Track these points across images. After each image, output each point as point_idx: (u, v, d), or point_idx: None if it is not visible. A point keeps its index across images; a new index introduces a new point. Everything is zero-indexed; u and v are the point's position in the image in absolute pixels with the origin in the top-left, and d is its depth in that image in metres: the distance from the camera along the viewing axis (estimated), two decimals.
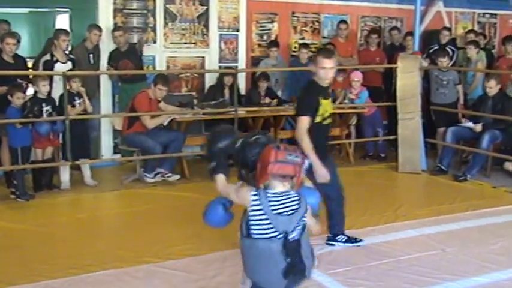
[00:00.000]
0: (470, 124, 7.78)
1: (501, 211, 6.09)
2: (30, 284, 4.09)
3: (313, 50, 9.09)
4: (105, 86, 7.99)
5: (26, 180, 6.41)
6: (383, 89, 9.23)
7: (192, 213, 5.89)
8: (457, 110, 8.34)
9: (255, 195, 2.74)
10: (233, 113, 7.50)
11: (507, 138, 7.63)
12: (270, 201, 2.71)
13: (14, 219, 5.65)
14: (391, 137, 8.39)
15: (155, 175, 7.10)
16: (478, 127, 7.64)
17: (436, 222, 5.59)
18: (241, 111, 7.71)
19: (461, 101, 8.49)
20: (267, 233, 2.70)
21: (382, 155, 8.61)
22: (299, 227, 2.74)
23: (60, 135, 6.70)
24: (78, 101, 6.74)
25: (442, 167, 7.77)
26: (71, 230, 5.41)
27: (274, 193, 2.74)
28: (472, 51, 8.66)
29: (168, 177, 7.11)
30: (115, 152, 8.05)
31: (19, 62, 6.85)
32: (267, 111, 8.04)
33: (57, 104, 6.62)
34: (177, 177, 7.18)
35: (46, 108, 6.43)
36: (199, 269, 4.40)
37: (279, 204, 2.72)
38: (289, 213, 2.70)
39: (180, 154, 7.36)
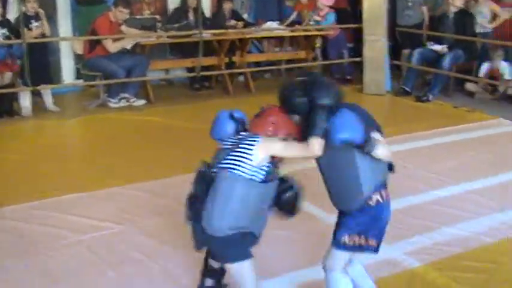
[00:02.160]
0: (436, 46, 7.81)
1: (461, 129, 6.23)
2: None
3: None
4: (63, 8, 7.73)
5: None
6: (349, 10, 9.15)
7: (157, 137, 5.94)
8: (421, 31, 8.35)
9: None
10: (198, 36, 7.39)
11: (468, 56, 7.72)
12: None
13: None
14: (357, 59, 8.40)
15: (119, 100, 7.03)
16: (444, 49, 7.69)
17: (399, 141, 5.68)
18: (207, 34, 7.59)
19: (426, 22, 8.49)
20: None
21: (348, 77, 8.63)
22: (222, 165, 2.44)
23: (19, 61, 6.53)
24: (35, 24, 6.54)
25: (406, 88, 7.86)
26: (34, 156, 5.35)
27: None
28: None
29: (132, 102, 7.05)
30: (77, 78, 7.90)
31: None
32: (232, 34, 7.94)
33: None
34: (142, 102, 7.13)
35: (2, 31, 6.23)
36: (163, 190, 4.43)
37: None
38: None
39: (144, 78, 7.27)
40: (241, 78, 8.42)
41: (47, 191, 4.39)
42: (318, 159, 2.52)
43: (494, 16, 8.09)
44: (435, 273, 3.26)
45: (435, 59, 7.76)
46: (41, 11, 6.57)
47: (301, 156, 2.47)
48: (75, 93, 7.71)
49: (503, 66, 7.50)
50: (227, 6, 8.17)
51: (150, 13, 8.32)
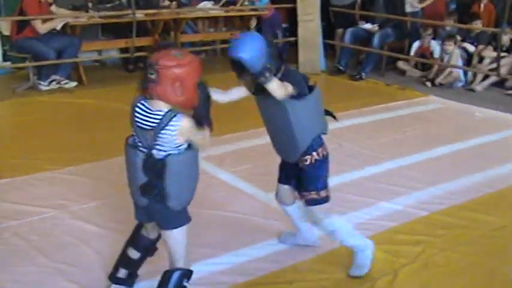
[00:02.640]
0: (368, 25, 7.97)
1: (393, 106, 6.40)
2: None
3: None
4: None
5: None
6: None
7: (90, 119, 5.80)
8: (354, 11, 8.47)
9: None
10: (131, 16, 7.23)
11: (398, 35, 7.91)
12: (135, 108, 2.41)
13: None
14: (291, 39, 8.45)
15: (50, 82, 6.81)
16: (375, 28, 7.85)
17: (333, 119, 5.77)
18: (140, 15, 7.43)
19: (359, 2, 8.62)
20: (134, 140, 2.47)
21: (283, 57, 8.64)
22: (160, 147, 2.37)
23: None
24: None
25: (340, 67, 7.98)
26: None
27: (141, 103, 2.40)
28: None
29: (64, 84, 6.85)
30: (4, 60, 7.59)
31: None
32: (166, 14, 7.81)
33: None
34: (74, 84, 6.93)
35: None
36: (96, 174, 4.34)
37: (139, 114, 2.39)
38: (142, 126, 2.38)
39: (76, 60, 7.07)
40: (203, 55, 8.30)
41: None
42: (261, 111, 2.80)
43: None
44: None
45: (367, 38, 7.91)
46: None
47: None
48: (2, 76, 7.41)
49: (433, 44, 7.72)
50: None
51: None
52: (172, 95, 2.32)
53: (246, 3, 8.40)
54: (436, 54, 7.66)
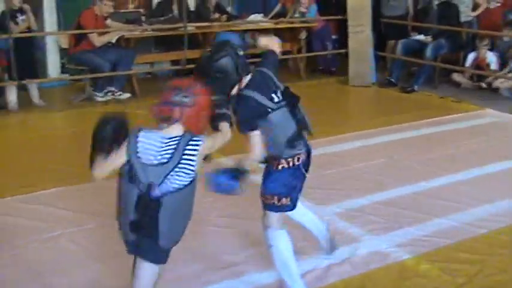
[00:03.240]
0: (420, 37, 7.86)
1: (447, 120, 6.27)
2: None
3: None
4: (48, 2, 7.65)
5: None
6: (333, 2, 9.14)
7: None
8: (406, 22, 8.37)
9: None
10: (182, 29, 7.35)
11: (452, 46, 7.76)
12: (137, 142, 2.32)
13: None
14: (341, 51, 8.41)
15: (105, 94, 6.98)
16: (428, 39, 7.74)
17: (385, 132, 5.72)
18: (191, 27, 7.55)
19: (411, 12, 8.52)
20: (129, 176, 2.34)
21: (333, 69, 8.64)
22: (167, 184, 2.27)
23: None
24: (21, 18, 6.47)
25: (392, 80, 7.88)
26: (20, 150, 5.32)
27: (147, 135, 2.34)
28: None
29: (118, 95, 7.00)
30: (62, 72, 7.83)
31: None
32: (216, 26, 7.90)
33: None
34: (128, 95, 7.08)
35: None
36: None
37: (145, 149, 2.31)
38: (154, 161, 2.30)
39: (129, 72, 7.22)
40: None
41: (31, 185, 4.36)
42: None
43: (476, 5, 8.18)
44: (427, 265, 3.28)
45: (420, 50, 7.80)
46: (26, 6, 6.51)
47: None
48: (60, 88, 7.65)
49: (489, 56, 7.54)
50: (212, 0, 8.13)
51: (134, 7, 8.26)
52: (199, 122, 2.34)
53: (296, 15, 8.41)
54: (493, 66, 7.48)
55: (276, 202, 2.81)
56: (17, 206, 3.99)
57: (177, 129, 2.32)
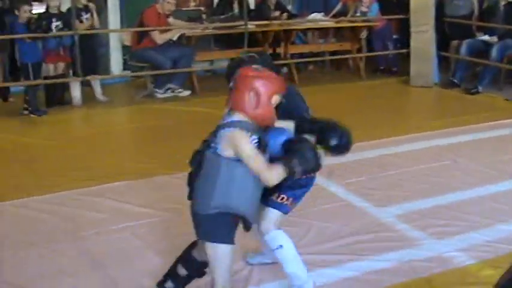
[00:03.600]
0: (486, 37, 7.64)
1: None
2: (46, 195, 4.16)
3: None
4: (113, 1, 7.84)
5: (38, 96, 6.44)
6: (394, 1, 8.99)
7: (203, 127, 5.92)
8: (471, 22, 8.15)
9: None
10: (243, 27, 7.39)
11: None
12: None
13: (28, 134, 5.72)
14: (403, 51, 8.27)
15: (166, 91, 7.10)
16: (494, 39, 7.51)
17: (448, 134, 5.59)
18: (251, 26, 7.58)
19: (476, 12, 8.28)
20: None
21: (394, 69, 8.51)
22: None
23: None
24: (85, 16, 6.66)
25: (455, 80, 7.69)
26: (83, 145, 5.46)
27: None
28: None
29: (178, 92, 7.11)
30: (124, 69, 8.01)
31: None
32: (276, 25, 7.91)
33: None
34: (188, 92, 7.18)
35: (56, 24, 6.37)
36: None
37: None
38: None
39: (190, 69, 7.32)
40: (285, 69, 8.37)
41: (96, 178, 4.47)
42: None
43: None
44: (490, 270, 3.17)
45: (485, 51, 7.57)
46: (91, 5, 6.70)
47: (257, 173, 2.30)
48: (122, 84, 7.84)
49: None
50: None
51: (195, 5, 8.37)
52: (248, 105, 2.29)
53: (358, 14, 8.32)
54: None
55: (285, 201, 2.77)
56: (82, 199, 4.10)
57: (238, 115, 2.33)
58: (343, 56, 8.66)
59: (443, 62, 8.33)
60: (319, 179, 4.34)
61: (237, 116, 2.32)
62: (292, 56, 8.27)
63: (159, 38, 6.99)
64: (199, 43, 7.68)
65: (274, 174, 2.30)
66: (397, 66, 8.52)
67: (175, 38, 7.29)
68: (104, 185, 4.34)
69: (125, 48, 7.80)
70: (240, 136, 2.27)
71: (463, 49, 7.73)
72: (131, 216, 3.82)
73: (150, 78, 7.23)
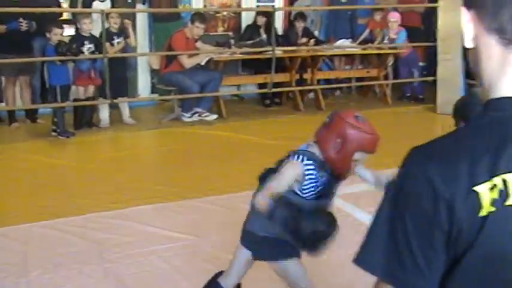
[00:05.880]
0: None
1: None
2: (73, 216, 4.19)
3: None
4: (142, 24, 7.97)
5: (66, 118, 6.53)
6: (421, 29, 8.98)
7: (229, 151, 5.99)
8: None
9: None
10: (270, 52, 7.44)
11: None
12: None
13: (56, 156, 5.79)
14: (429, 78, 8.24)
15: (192, 114, 7.14)
16: None
17: None
18: (279, 51, 7.63)
19: None
20: None
21: (420, 97, 8.47)
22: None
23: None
24: (117, 40, 6.77)
25: None
26: (111, 167, 5.51)
27: None
28: None
29: (205, 116, 7.15)
30: (152, 92, 8.10)
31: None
32: (304, 51, 7.95)
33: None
34: (214, 116, 7.21)
35: (88, 46, 6.49)
36: (235, 205, 4.43)
37: None
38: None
39: (217, 94, 7.37)
40: (311, 95, 8.39)
41: (123, 201, 4.49)
42: None
43: None
44: None
45: None
46: (127, 22, 6.82)
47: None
48: (150, 107, 7.91)
49: None
50: (299, 24, 8.20)
51: (224, 30, 8.45)
52: (329, 145, 2.25)
53: (385, 41, 8.32)
54: None
55: None
56: (109, 222, 4.12)
57: (315, 148, 2.33)
58: (369, 83, 8.66)
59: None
60: (346, 206, 4.34)
61: (313, 149, 2.31)
62: (319, 82, 8.29)
63: (187, 62, 7.07)
64: (226, 68, 7.74)
65: (261, 199, 2.26)
66: (423, 94, 8.48)
67: (203, 63, 7.36)
68: (130, 208, 4.36)
69: (153, 72, 7.89)
70: (292, 162, 2.29)
71: None
72: (158, 240, 3.82)
73: (177, 102, 7.30)
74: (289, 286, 2.52)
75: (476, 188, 0.87)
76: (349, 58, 8.83)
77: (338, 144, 2.23)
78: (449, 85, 7.76)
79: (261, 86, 8.05)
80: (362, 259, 0.98)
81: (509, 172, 0.87)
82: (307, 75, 8.11)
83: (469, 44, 0.99)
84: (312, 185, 2.30)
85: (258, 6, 8.59)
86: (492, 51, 0.95)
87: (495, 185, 0.87)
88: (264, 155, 5.82)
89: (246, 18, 8.46)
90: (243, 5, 8.56)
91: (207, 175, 5.17)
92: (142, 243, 3.76)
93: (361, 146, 2.23)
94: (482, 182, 0.87)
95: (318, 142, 2.31)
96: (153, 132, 6.82)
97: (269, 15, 7.77)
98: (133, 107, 7.35)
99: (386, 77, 8.73)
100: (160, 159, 5.91)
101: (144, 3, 7.86)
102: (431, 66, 8.24)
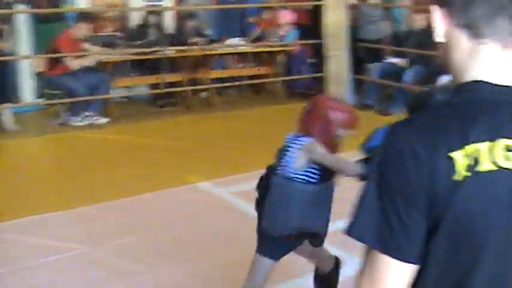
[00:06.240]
0: (395, 60, 7.95)
1: None
2: None
3: None
4: (22, 26, 7.58)
5: None
6: (310, 26, 9.20)
7: (121, 155, 5.83)
8: (382, 45, 8.46)
9: None
10: (161, 52, 7.34)
11: (430, 73, 7.82)
12: None
13: None
14: (318, 74, 8.46)
15: (82, 118, 6.90)
16: (402, 62, 7.81)
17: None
18: (170, 51, 7.54)
19: (387, 36, 8.61)
20: None
21: (311, 92, 8.66)
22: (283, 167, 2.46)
23: None
24: None
25: (368, 102, 7.93)
26: None
27: None
28: None
29: (95, 120, 6.93)
30: (38, 96, 7.72)
31: None
32: (196, 50, 7.91)
33: None
34: (105, 120, 7.01)
35: None
36: (130, 209, 4.34)
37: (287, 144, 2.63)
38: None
39: (107, 96, 7.16)
40: (204, 94, 8.37)
41: (7, 213, 4.21)
42: None
43: None
44: None
45: (396, 73, 7.86)
46: (4, 27, 6.47)
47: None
48: (35, 112, 7.53)
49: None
50: (190, 24, 8.15)
51: (112, 30, 8.23)
52: (315, 129, 2.43)
53: (276, 38, 8.46)
54: None
55: None
56: None
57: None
58: (260, 80, 8.76)
59: (359, 85, 8.58)
60: None
61: (305, 138, 2.44)
62: (212, 80, 8.28)
63: (73, 64, 6.81)
64: (116, 69, 7.54)
65: (350, 164, 2.41)
66: (314, 89, 8.69)
67: (91, 64, 7.13)
68: (16, 220, 4.12)
69: (37, 75, 7.52)
70: (312, 143, 2.41)
71: (373, 72, 8.01)
72: (50, 252, 3.64)
73: (65, 106, 7.01)
74: (247, 279, 2.54)
75: (451, 154, 0.98)
76: (242, 56, 8.89)
77: (323, 126, 2.43)
78: (337, 80, 8.02)
79: (155, 86, 7.92)
80: (353, 229, 1.06)
81: (481, 141, 0.99)
82: (199, 75, 8.07)
83: (440, 39, 1.11)
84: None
85: (146, 6, 8.44)
86: (463, 44, 1.07)
87: (469, 153, 0.99)
88: (157, 157, 5.79)
89: (135, 18, 8.28)
90: (131, 5, 8.37)
91: (98, 180, 5.00)
92: (32, 256, 3.58)
93: (343, 123, 2.46)
94: (457, 150, 0.99)
95: (304, 129, 2.45)
96: (40, 138, 6.50)
97: (158, 14, 7.67)
98: (17, 113, 6.97)
99: (276, 74, 8.87)
100: (48, 167, 5.64)
101: (25, 4, 7.47)
102: (320, 63, 8.46)
